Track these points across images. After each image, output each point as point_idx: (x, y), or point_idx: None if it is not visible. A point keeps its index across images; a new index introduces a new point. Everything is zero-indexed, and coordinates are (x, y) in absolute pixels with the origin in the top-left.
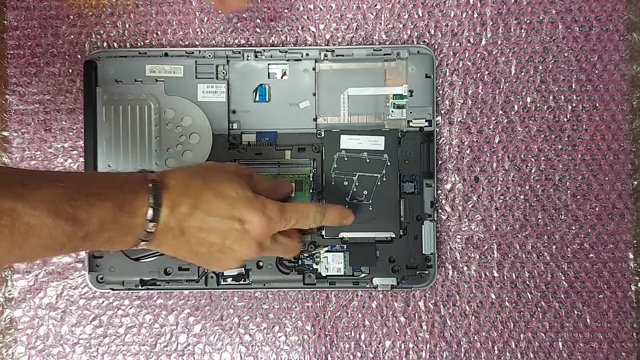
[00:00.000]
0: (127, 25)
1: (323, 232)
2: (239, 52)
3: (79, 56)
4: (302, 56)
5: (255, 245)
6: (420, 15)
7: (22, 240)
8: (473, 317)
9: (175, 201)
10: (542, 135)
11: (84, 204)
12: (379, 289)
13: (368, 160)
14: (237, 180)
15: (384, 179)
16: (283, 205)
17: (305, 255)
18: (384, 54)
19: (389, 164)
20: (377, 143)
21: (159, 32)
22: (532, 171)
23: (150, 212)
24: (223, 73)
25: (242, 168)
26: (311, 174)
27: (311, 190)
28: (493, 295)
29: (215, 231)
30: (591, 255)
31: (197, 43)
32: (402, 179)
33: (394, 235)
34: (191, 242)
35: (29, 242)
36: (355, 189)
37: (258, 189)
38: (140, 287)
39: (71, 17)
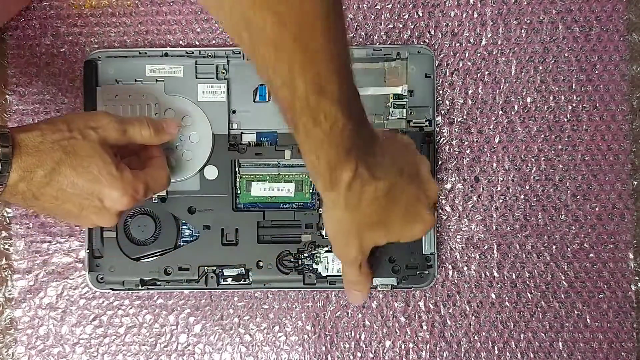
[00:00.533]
0: (127, 25)
1: (323, 232)
2: (239, 52)
3: (79, 56)
4: None
5: (115, 218)
6: (421, 15)
7: None
8: (473, 317)
9: (28, 168)
10: (542, 136)
11: None
12: (379, 288)
13: None
14: (100, 153)
15: None
16: (145, 175)
17: (305, 255)
18: (384, 54)
19: None
20: None
21: (159, 32)
22: (532, 171)
23: None
24: (223, 73)
25: (110, 128)
26: None
27: (311, 190)
28: (493, 295)
29: (71, 202)
30: (591, 255)
31: (197, 43)
32: None
33: None
34: (45, 206)
35: None
36: None
37: (131, 143)
38: (140, 287)
39: (71, 17)
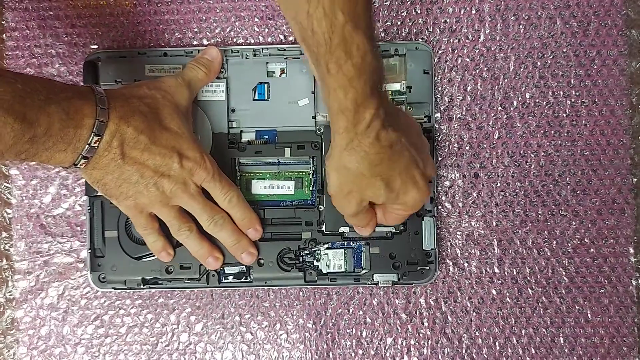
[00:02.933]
0: (126, 26)
1: (324, 228)
2: (238, 51)
3: (79, 57)
4: (300, 54)
5: (181, 184)
6: (419, 11)
7: None
8: (474, 313)
9: (122, 121)
10: (542, 131)
11: (34, 104)
12: (380, 285)
13: None
14: (179, 114)
15: None
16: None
17: (306, 252)
18: (382, 51)
19: None
20: None
21: (157, 32)
22: (532, 167)
23: (96, 123)
24: (222, 72)
25: (184, 99)
26: (311, 172)
27: (311, 188)
28: (494, 291)
29: (153, 160)
30: (592, 250)
31: (195, 42)
32: None
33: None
34: (124, 170)
35: None
36: None
37: (196, 84)
38: (141, 286)
39: (70, 17)
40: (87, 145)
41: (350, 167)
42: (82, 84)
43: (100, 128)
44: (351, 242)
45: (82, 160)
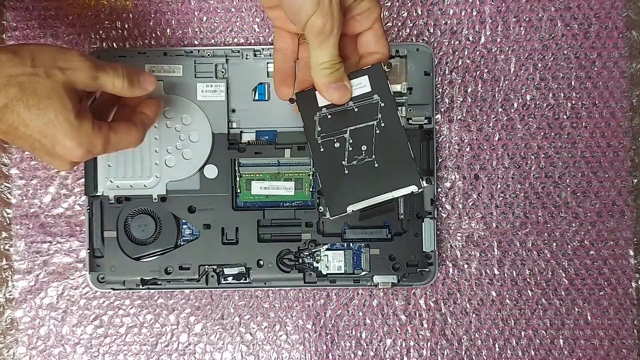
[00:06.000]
0: (126, 25)
1: (323, 227)
2: (238, 51)
3: None
4: None
5: (68, 165)
6: (420, 13)
7: None
8: (474, 315)
9: None
10: (542, 133)
11: None
12: (380, 287)
13: (356, 109)
14: (61, 96)
15: (382, 124)
16: (109, 131)
17: (305, 253)
18: None
19: (382, 104)
20: (361, 85)
21: (158, 32)
22: (532, 169)
23: None
24: (222, 72)
25: (81, 72)
26: (311, 172)
27: (311, 189)
28: (494, 293)
29: (22, 140)
30: (591, 252)
31: (196, 42)
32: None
33: (416, 189)
34: None
35: None
36: (350, 148)
37: (100, 90)
38: (141, 287)
39: (70, 17)
40: None
41: None
42: None
43: None
44: (351, 244)
45: None
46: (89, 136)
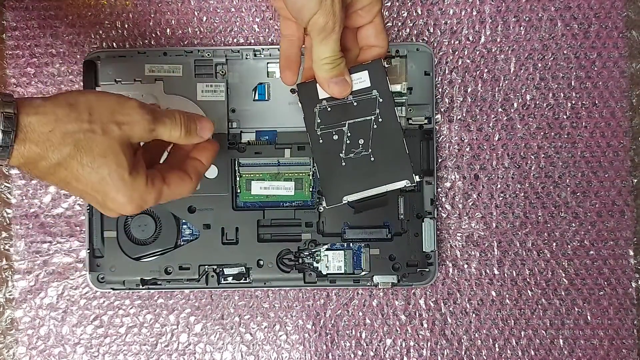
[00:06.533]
0: (126, 25)
1: (323, 227)
2: (238, 51)
3: (79, 56)
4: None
5: (118, 214)
6: (419, 13)
7: None
8: (474, 315)
9: (31, 158)
10: (542, 133)
11: None
12: (380, 287)
13: (355, 104)
14: (116, 153)
15: (380, 120)
16: (161, 185)
17: (305, 253)
18: None
19: (380, 100)
20: (360, 80)
21: (158, 32)
22: (532, 168)
23: None
24: (222, 72)
25: (138, 127)
26: (311, 172)
27: (311, 189)
28: (494, 293)
29: (74, 191)
30: (591, 252)
31: (196, 42)
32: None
33: (408, 184)
34: (57, 181)
35: None
36: (348, 141)
37: (162, 138)
38: (141, 287)
39: (70, 17)
40: None
41: None
42: (82, 83)
43: (4, 152)
44: (351, 244)
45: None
46: (141, 192)
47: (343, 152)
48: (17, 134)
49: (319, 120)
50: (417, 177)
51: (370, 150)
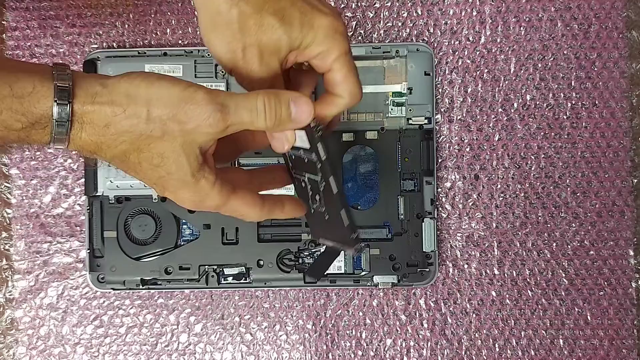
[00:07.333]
0: (126, 25)
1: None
2: None
3: (79, 56)
4: None
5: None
6: (420, 13)
7: None
8: (474, 315)
9: (86, 148)
10: (542, 133)
11: None
12: (380, 287)
13: (306, 160)
14: (177, 156)
15: (323, 183)
16: (224, 202)
17: (305, 253)
18: (383, 52)
19: (319, 165)
20: (302, 138)
21: (158, 32)
22: (532, 169)
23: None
24: (222, 72)
25: (204, 129)
26: None
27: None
28: (494, 293)
29: (136, 178)
30: (591, 252)
31: (196, 42)
32: (402, 177)
33: (350, 253)
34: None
35: None
36: (310, 192)
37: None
38: (141, 287)
39: (70, 17)
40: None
41: (222, 11)
42: None
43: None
44: None
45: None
46: (202, 196)
47: (309, 201)
48: (71, 124)
49: (290, 164)
50: (353, 250)
51: (323, 208)
